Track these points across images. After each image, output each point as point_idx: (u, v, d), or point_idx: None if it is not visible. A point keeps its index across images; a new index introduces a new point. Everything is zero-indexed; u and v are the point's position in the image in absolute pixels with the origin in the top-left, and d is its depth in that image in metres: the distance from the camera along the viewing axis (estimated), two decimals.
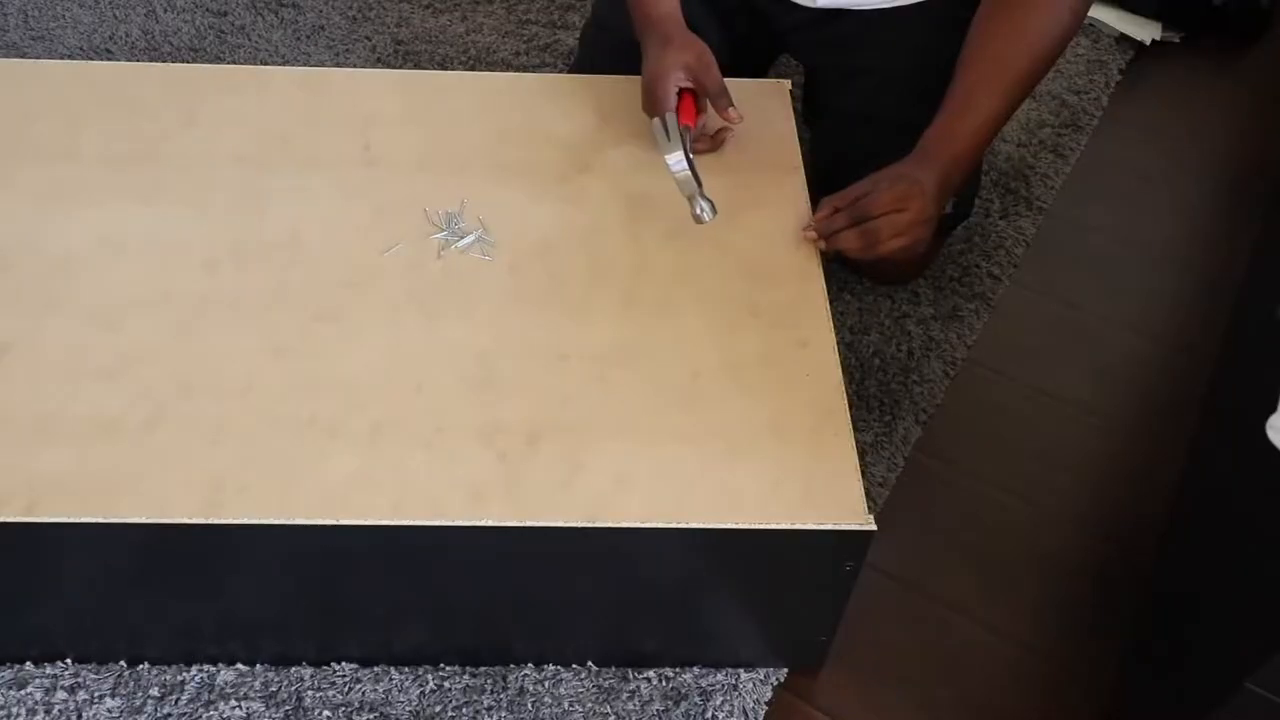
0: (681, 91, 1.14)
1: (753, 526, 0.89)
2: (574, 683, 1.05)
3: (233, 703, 1.02)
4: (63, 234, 1.06)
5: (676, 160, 1.07)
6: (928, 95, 1.16)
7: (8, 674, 1.03)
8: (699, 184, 1.06)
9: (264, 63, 1.70)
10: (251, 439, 0.92)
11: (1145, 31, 1.83)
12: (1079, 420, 1.31)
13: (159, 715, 1.01)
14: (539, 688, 1.04)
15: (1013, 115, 1.17)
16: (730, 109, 1.14)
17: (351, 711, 1.02)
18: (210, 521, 0.87)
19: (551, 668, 1.06)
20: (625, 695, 1.04)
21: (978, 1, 1.29)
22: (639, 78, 1.18)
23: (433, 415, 0.94)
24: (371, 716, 1.02)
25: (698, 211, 1.06)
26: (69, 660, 1.04)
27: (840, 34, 1.31)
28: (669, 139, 1.08)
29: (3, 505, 0.87)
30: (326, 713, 1.02)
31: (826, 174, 1.34)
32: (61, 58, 1.69)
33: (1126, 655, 1.10)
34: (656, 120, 1.11)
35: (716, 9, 1.32)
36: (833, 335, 1.02)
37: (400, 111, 1.20)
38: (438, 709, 1.03)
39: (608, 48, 1.35)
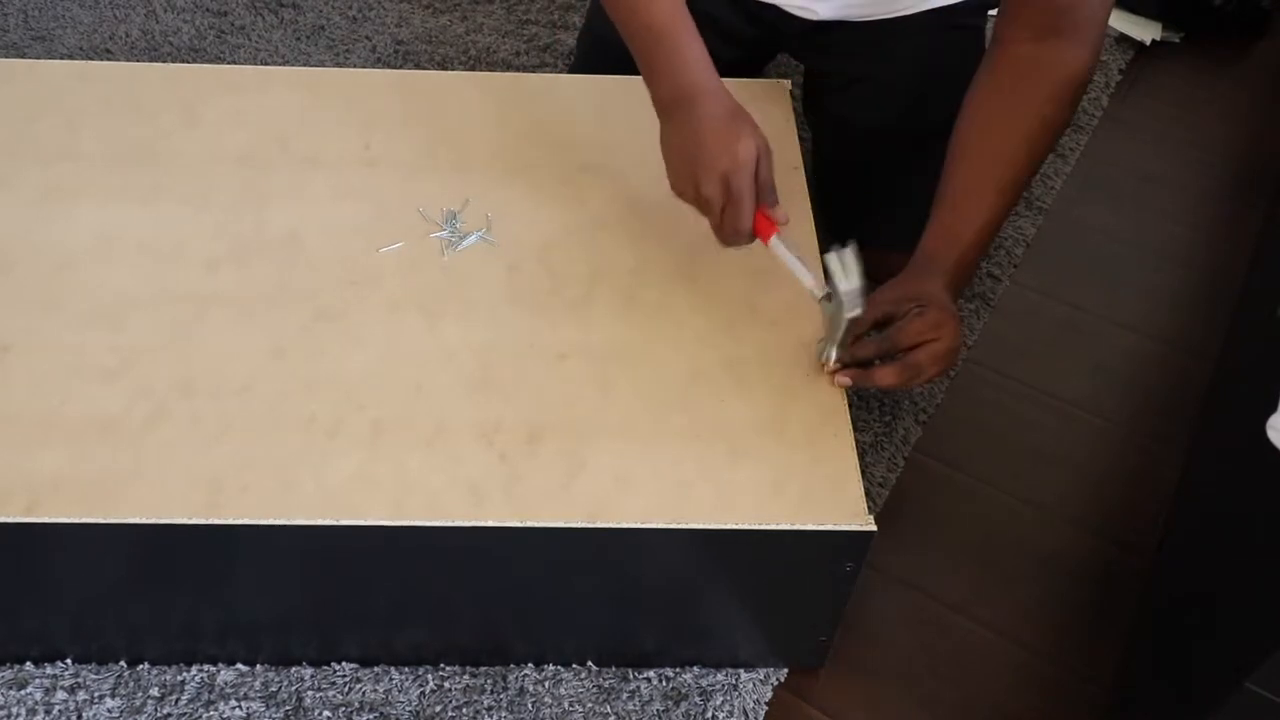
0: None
1: (753, 527, 0.89)
2: (574, 683, 1.05)
3: (233, 703, 1.02)
4: (63, 234, 1.06)
5: (854, 297, 0.92)
6: (924, 104, 1.16)
7: (8, 674, 1.03)
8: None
9: (264, 63, 1.70)
10: (251, 439, 0.92)
11: (1145, 31, 1.83)
12: (1079, 420, 1.31)
13: (159, 715, 1.01)
14: (539, 688, 1.04)
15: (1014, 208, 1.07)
16: (779, 207, 0.98)
17: (351, 711, 1.02)
18: (210, 521, 0.87)
19: (551, 668, 1.06)
20: (625, 695, 1.04)
21: (975, 10, 1.29)
22: (640, 78, 1.17)
23: (433, 415, 0.94)
24: (371, 716, 1.02)
25: (830, 355, 0.97)
26: (69, 660, 1.04)
27: (838, 42, 1.31)
28: (845, 273, 0.92)
29: (3, 505, 0.87)
30: (326, 713, 1.02)
31: (826, 174, 1.35)
32: (61, 58, 1.69)
33: (1126, 655, 1.10)
34: (830, 256, 0.93)
35: (714, 6, 1.32)
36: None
37: (400, 111, 1.20)
38: (438, 709, 1.03)
39: (603, 52, 1.34)
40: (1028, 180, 1.07)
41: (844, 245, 0.94)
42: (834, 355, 0.97)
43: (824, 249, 1.09)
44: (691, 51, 1.01)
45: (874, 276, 1.42)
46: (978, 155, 1.05)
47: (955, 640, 1.12)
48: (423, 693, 1.04)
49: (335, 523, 0.87)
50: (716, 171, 0.96)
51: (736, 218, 0.96)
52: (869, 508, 0.90)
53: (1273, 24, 1.89)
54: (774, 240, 0.98)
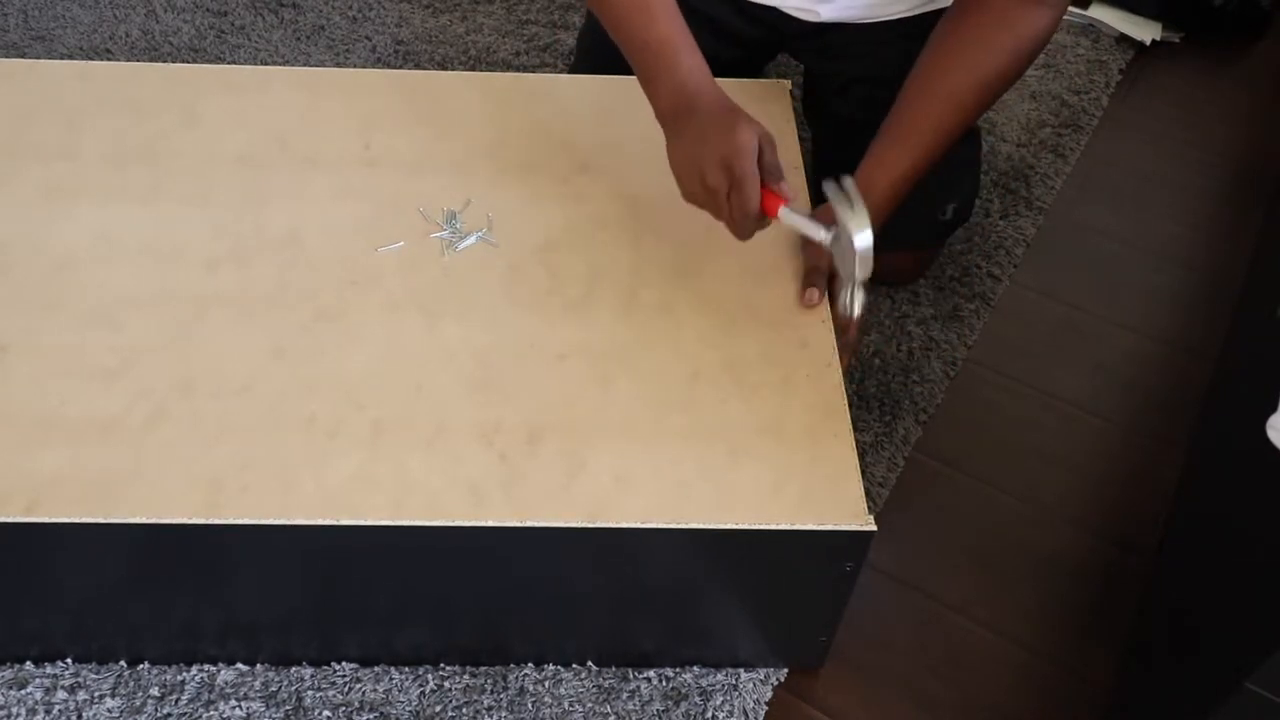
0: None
1: (752, 527, 0.89)
2: (574, 683, 1.05)
3: (233, 703, 1.02)
4: (63, 234, 1.06)
5: (866, 235, 0.92)
6: None
7: (8, 674, 1.03)
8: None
9: (264, 63, 1.70)
10: (251, 439, 0.92)
11: (1145, 31, 1.83)
12: (1079, 420, 1.31)
13: (159, 715, 1.01)
14: (539, 688, 1.04)
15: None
16: (784, 183, 1.00)
17: (351, 711, 1.02)
18: (210, 521, 0.87)
19: (551, 668, 1.06)
20: (625, 695, 1.04)
21: None
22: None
23: (433, 415, 0.94)
24: (371, 716, 1.02)
25: (852, 299, 0.97)
26: (69, 660, 1.04)
27: (838, 43, 1.31)
28: (853, 207, 0.92)
29: (3, 505, 0.87)
30: (326, 713, 1.02)
31: (826, 174, 1.34)
32: (61, 58, 1.69)
33: (1126, 655, 1.10)
34: (831, 186, 0.95)
35: (713, 8, 1.32)
36: (833, 335, 1.02)
37: (400, 111, 1.20)
38: (438, 709, 1.03)
39: (603, 52, 1.34)
40: (969, 125, 1.12)
41: (844, 179, 0.96)
42: (859, 298, 0.97)
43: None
44: (690, 65, 1.03)
45: (876, 277, 1.42)
46: (930, 96, 1.09)
47: (955, 640, 1.12)
48: (423, 693, 1.04)
49: (335, 523, 0.87)
50: (718, 158, 0.97)
51: (742, 200, 0.96)
52: (869, 508, 0.90)
53: (1273, 24, 1.90)
54: (783, 211, 0.98)
